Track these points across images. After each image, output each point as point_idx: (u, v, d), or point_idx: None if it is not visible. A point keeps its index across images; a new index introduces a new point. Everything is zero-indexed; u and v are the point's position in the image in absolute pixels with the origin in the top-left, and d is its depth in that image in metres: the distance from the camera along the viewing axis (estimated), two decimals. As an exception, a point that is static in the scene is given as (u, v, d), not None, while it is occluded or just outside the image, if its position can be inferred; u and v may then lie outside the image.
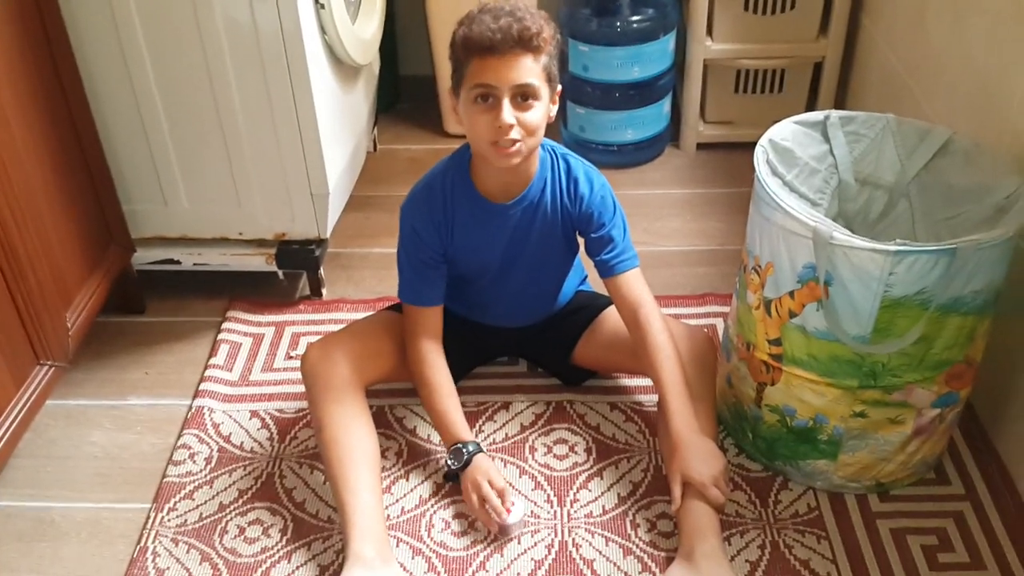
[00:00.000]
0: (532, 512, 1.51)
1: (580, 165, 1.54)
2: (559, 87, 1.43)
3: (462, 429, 1.51)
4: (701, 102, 2.45)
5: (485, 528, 1.48)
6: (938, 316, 1.33)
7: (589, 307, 1.70)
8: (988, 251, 1.30)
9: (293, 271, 1.98)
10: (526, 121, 1.37)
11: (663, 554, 1.45)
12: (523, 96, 1.36)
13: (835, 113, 1.55)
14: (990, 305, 1.38)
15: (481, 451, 1.49)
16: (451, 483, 1.55)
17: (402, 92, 2.73)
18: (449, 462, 1.49)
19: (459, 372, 1.63)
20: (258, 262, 1.92)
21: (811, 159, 1.54)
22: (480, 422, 1.67)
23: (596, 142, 2.41)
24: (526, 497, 1.54)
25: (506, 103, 1.35)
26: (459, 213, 1.51)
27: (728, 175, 2.39)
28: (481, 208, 1.51)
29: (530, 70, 1.35)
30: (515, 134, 1.37)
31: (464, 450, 1.48)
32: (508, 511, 1.44)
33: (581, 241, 1.60)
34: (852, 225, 1.58)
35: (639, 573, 1.42)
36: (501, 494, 1.44)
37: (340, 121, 1.95)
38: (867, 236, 1.30)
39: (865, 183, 1.58)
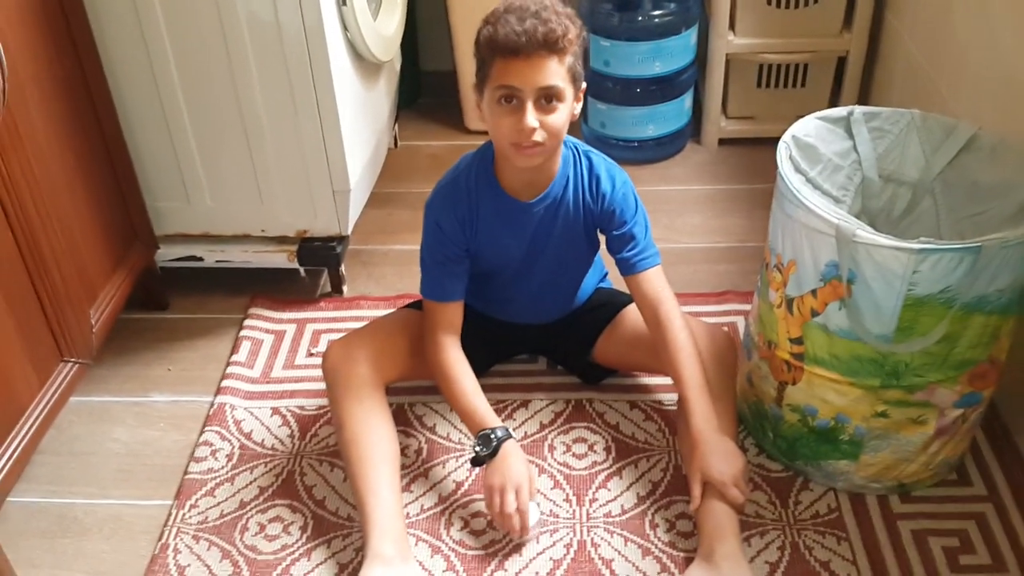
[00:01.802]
0: (551, 511, 1.51)
1: (602, 162, 1.54)
2: (584, 84, 1.42)
3: (488, 415, 1.48)
4: (723, 97, 2.43)
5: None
6: (962, 315, 1.31)
7: (609, 304, 1.70)
8: (1014, 249, 1.28)
9: (314, 268, 1.99)
10: (550, 123, 1.37)
11: (682, 555, 1.44)
12: (547, 98, 1.36)
13: (859, 109, 1.54)
14: (1015, 304, 1.36)
15: (511, 436, 1.46)
16: (479, 467, 1.50)
17: (423, 88, 2.73)
18: (477, 448, 1.45)
19: (478, 369, 1.62)
20: (280, 259, 1.93)
21: (834, 155, 1.53)
22: (492, 410, 1.65)
23: (617, 138, 2.40)
24: (544, 496, 1.53)
25: (530, 106, 1.34)
26: (483, 210, 1.51)
27: (750, 171, 2.37)
28: (505, 205, 1.50)
29: (555, 72, 1.34)
30: (538, 136, 1.36)
31: (492, 436, 1.45)
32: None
33: (602, 238, 1.59)
34: (875, 222, 1.56)
35: (658, 574, 1.42)
36: (522, 511, 1.41)
37: (361, 118, 1.95)
38: (890, 234, 1.29)
39: (889, 180, 1.56)
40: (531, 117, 1.35)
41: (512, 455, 1.44)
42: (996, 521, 1.47)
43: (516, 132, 1.36)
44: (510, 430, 1.47)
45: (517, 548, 1.46)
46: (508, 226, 1.52)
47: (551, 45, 1.32)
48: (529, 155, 1.40)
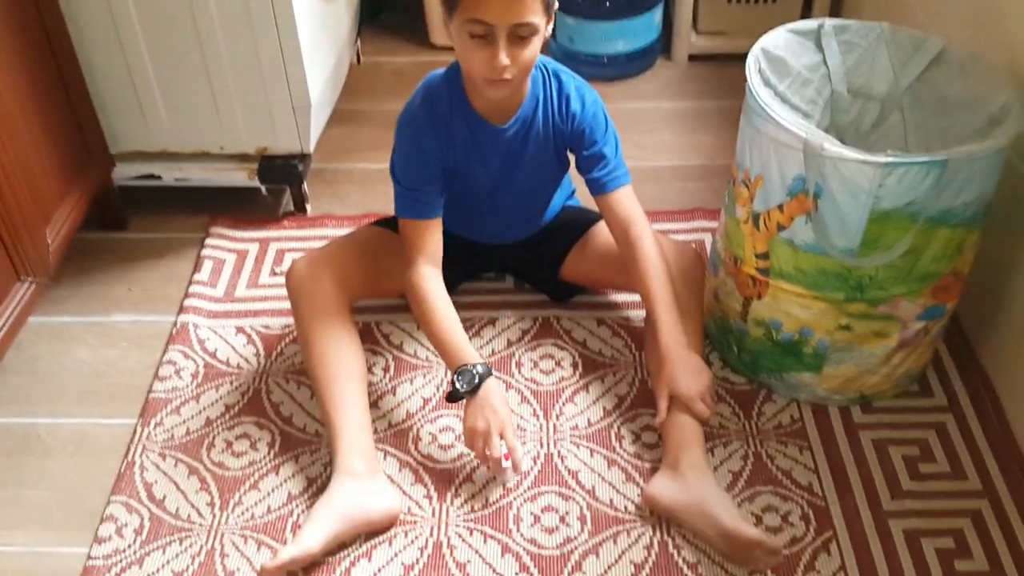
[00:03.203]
0: (517, 425, 1.52)
1: (572, 81, 1.51)
2: (555, 5, 1.38)
3: (468, 350, 1.42)
4: (693, 11, 2.39)
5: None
6: (927, 228, 1.31)
7: (577, 222, 1.68)
8: (980, 162, 1.28)
9: (276, 186, 1.96)
10: (523, 59, 1.33)
11: (647, 465, 1.46)
12: (520, 34, 1.31)
13: (829, 21, 1.52)
14: (979, 217, 1.37)
15: (491, 374, 1.41)
16: (454, 403, 1.47)
17: (386, 2, 2.65)
18: (457, 383, 1.39)
19: (447, 288, 1.61)
20: (240, 177, 1.89)
21: (804, 69, 1.51)
22: (469, 340, 1.66)
23: (586, 53, 2.36)
24: (512, 411, 1.54)
25: (502, 43, 1.30)
26: (456, 132, 1.47)
27: (720, 88, 2.34)
28: (478, 129, 1.47)
29: (530, 8, 1.29)
30: (509, 74, 1.33)
31: (474, 372, 1.39)
32: (507, 458, 1.39)
33: (572, 158, 1.57)
34: (844, 137, 1.55)
35: (623, 483, 1.44)
36: (512, 449, 1.38)
37: (321, 31, 1.89)
38: (858, 148, 1.28)
39: (858, 94, 1.55)
40: (504, 55, 1.31)
41: (494, 394, 1.40)
42: (956, 431, 1.50)
43: (488, 69, 1.33)
44: (491, 367, 1.42)
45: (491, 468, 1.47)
46: (480, 149, 1.50)
47: None
48: (501, 88, 1.37)
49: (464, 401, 1.41)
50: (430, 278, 1.48)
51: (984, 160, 1.29)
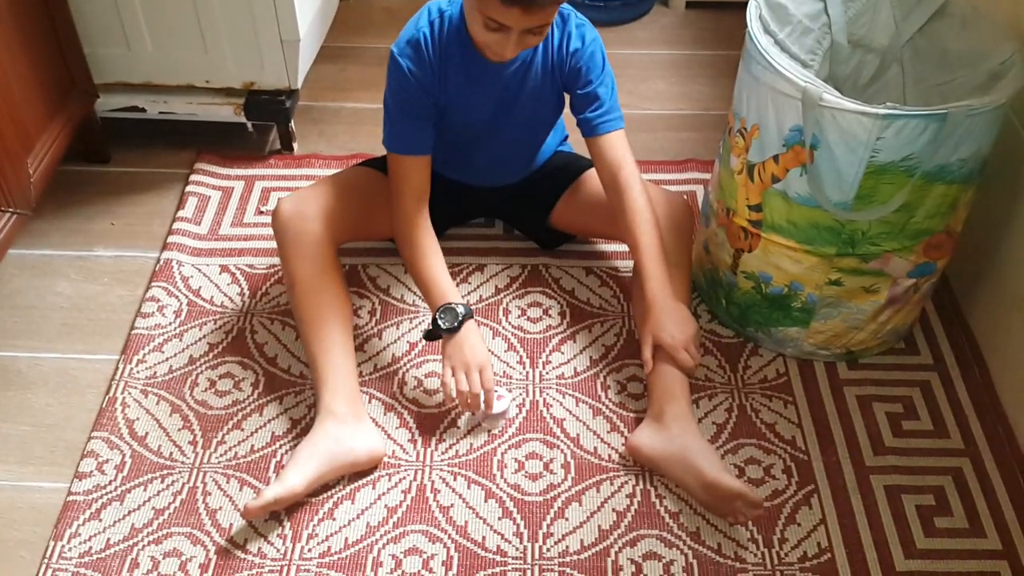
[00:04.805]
0: (504, 372, 1.52)
1: (573, 18, 1.47)
2: None
3: (452, 290, 1.43)
4: (692, -42, 2.35)
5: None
6: (922, 184, 1.30)
7: (568, 168, 1.66)
8: (979, 118, 1.27)
9: (263, 123, 1.92)
10: (532, 44, 1.36)
11: (632, 415, 1.46)
12: (534, 32, 1.33)
13: (832, -31, 1.49)
14: (975, 174, 1.36)
15: (472, 316, 1.41)
16: (429, 342, 1.49)
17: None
18: (440, 320, 1.39)
19: (435, 232, 1.59)
20: (226, 112, 1.85)
21: (805, 17, 1.48)
22: (454, 283, 1.64)
23: (581, -2, 2.32)
24: (498, 358, 1.53)
25: (515, 38, 1.32)
26: (453, 66, 1.44)
27: (718, 36, 2.31)
28: (476, 65, 1.44)
29: (548, 13, 1.31)
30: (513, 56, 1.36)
31: (458, 310, 1.40)
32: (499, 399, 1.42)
33: (567, 98, 1.54)
34: (841, 89, 1.53)
35: (608, 432, 1.44)
36: (487, 389, 1.38)
37: (312, -36, 1.84)
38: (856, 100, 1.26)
39: (858, 45, 1.53)
40: (513, 50, 1.34)
41: (475, 334, 1.41)
42: (940, 389, 1.51)
43: (494, 52, 1.36)
44: (472, 310, 1.42)
45: (470, 406, 1.46)
46: (477, 85, 1.46)
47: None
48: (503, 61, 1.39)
49: (441, 341, 1.41)
50: (417, 215, 1.47)
51: (983, 116, 1.27)
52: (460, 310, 1.40)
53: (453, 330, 1.39)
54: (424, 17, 1.43)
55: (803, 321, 1.49)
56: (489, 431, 1.44)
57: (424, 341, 1.54)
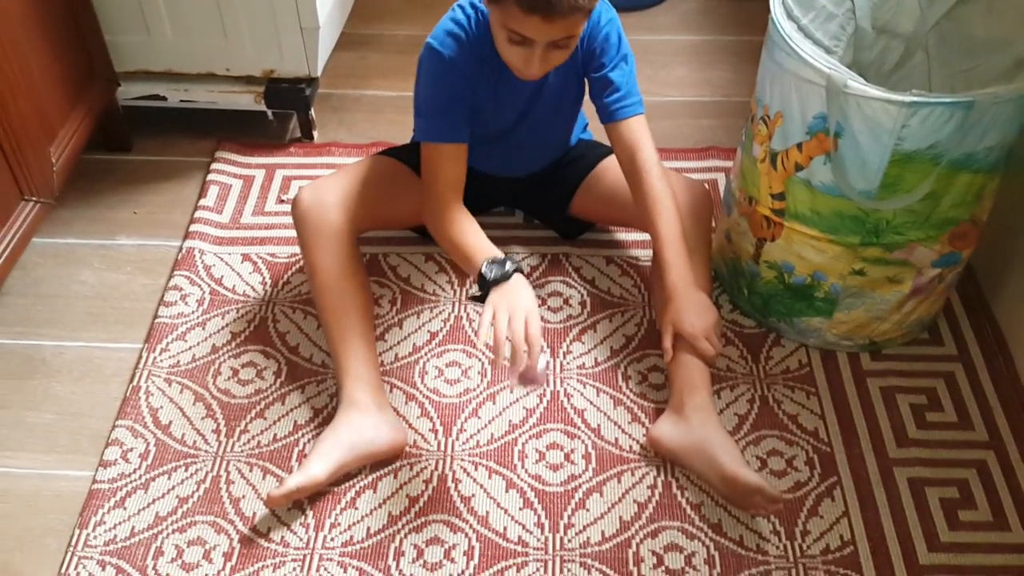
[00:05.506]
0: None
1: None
2: None
3: (497, 251, 1.34)
4: (714, -58, 2.32)
5: (479, 377, 1.48)
6: (948, 172, 1.29)
7: (588, 157, 1.65)
8: (1005, 106, 1.25)
9: (283, 111, 1.92)
10: (558, 59, 1.34)
11: (653, 406, 1.46)
12: (560, 45, 1.31)
13: (857, -46, 1.47)
14: (1001, 163, 1.34)
15: (522, 272, 1.31)
16: (478, 302, 1.31)
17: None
18: (487, 271, 1.28)
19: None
20: (247, 100, 1.85)
21: (829, 2, 1.46)
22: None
23: (602, -17, 2.30)
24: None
25: (539, 52, 1.30)
26: (486, 64, 1.42)
27: (739, 22, 2.28)
28: (500, 75, 1.42)
29: (574, 24, 1.28)
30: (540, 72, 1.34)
31: (508, 262, 1.29)
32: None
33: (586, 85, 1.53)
34: (866, 76, 1.51)
35: (629, 423, 1.44)
36: (532, 340, 1.24)
37: (331, -50, 1.84)
38: (881, 87, 1.25)
39: (882, 31, 1.51)
40: (539, 66, 1.32)
41: (525, 285, 1.29)
42: (964, 380, 1.49)
43: (519, 68, 1.34)
44: (523, 266, 1.32)
45: (491, 397, 1.46)
46: (509, 83, 1.44)
47: (581, 8, 1.25)
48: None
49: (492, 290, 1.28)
50: (454, 202, 1.41)
51: (1010, 103, 1.25)
52: (508, 264, 1.30)
53: (501, 279, 1.28)
54: (459, 12, 1.41)
55: (826, 311, 1.48)
56: (519, 397, 1.41)
57: (473, 302, 1.43)
